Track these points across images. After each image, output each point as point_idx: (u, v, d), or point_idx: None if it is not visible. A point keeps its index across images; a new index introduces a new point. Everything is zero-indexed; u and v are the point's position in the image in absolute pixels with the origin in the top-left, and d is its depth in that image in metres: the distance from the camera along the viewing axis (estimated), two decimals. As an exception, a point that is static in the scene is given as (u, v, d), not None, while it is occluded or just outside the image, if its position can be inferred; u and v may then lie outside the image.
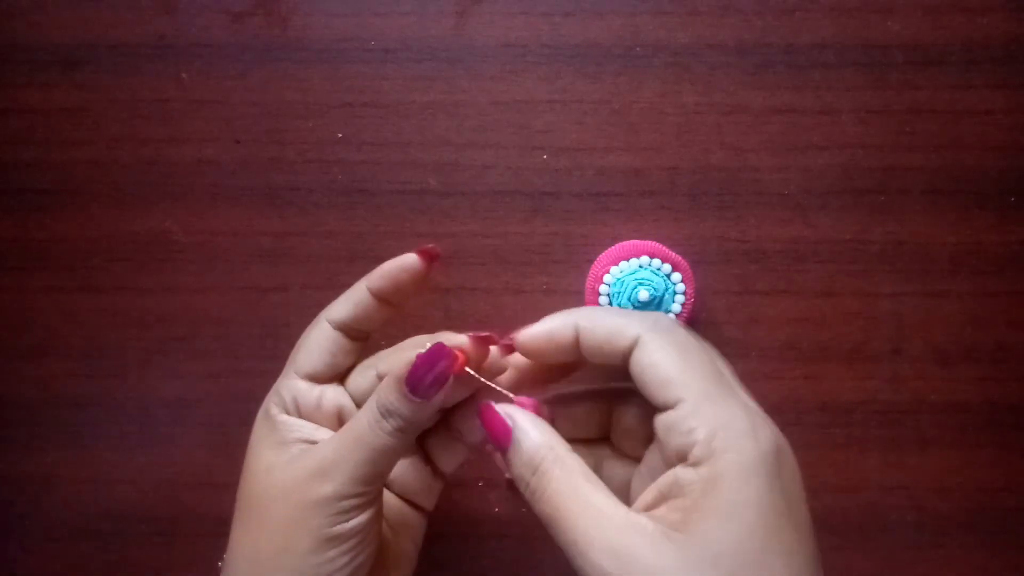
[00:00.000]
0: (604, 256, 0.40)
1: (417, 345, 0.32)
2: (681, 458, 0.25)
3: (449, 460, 0.35)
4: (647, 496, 0.26)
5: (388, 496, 0.34)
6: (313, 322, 0.34)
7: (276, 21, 0.43)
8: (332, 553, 0.29)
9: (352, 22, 0.42)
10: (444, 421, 0.34)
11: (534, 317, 0.30)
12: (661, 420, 0.26)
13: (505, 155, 0.42)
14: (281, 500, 0.31)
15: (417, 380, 0.29)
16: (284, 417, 0.32)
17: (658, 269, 0.40)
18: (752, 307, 0.42)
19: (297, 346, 0.34)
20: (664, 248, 0.40)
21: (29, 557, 0.43)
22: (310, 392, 0.33)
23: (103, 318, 0.43)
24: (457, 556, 0.42)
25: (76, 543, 0.43)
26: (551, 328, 0.30)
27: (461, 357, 0.29)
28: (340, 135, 0.42)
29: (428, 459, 0.35)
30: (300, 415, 0.32)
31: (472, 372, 0.30)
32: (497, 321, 0.42)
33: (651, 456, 0.30)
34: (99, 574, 0.43)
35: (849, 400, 0.42)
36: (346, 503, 0.29)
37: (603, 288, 0.40)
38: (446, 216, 0.42)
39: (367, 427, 0.30)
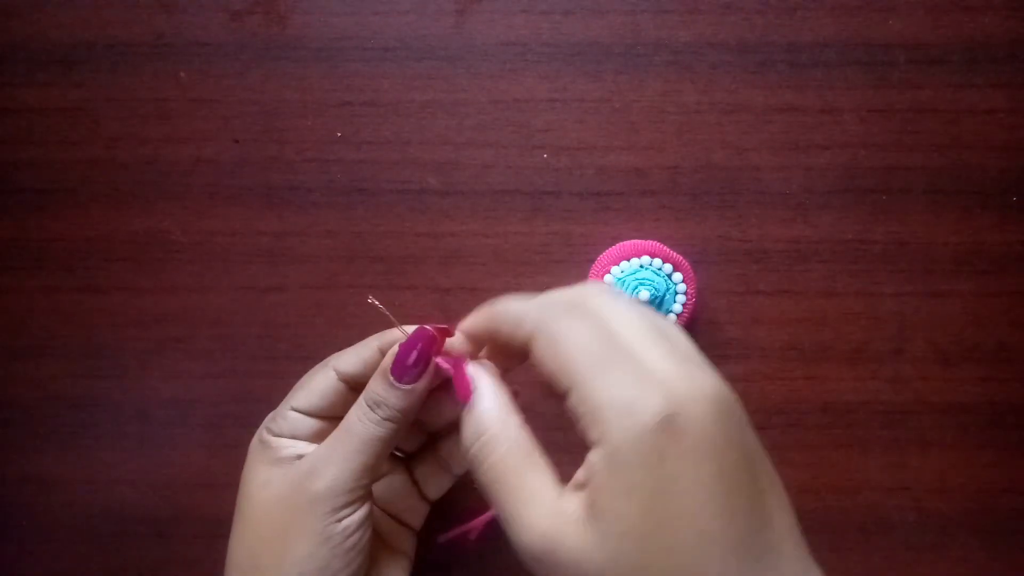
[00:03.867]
0: (605, 256, 0.40)
1: (381, 340, 0.33)
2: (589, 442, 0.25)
3: (435, 488, 0.36)
4: (578, 477, 0.25)
5: (377, 512, 0.35)
6: (320, 364, 0.34)
7: (275, 20, 0.42)
8: (329, 555, 0.30)
9: (351, 21, 0.42)
10: (432, 450, 0.36)
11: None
12: (567, 408, 0.26)
13: (505, 154, 0.42)
14: (278, 508, 0.31)
15: (401, 366, 0.30)
16: (276, 439, 0.33)
17: (659, 269, 0.39)
18: (753, 307, 0.42)
19: (299, 383, 0.34)
20: (665, 248, 0.40)
21: (27, 557, 0.43)
22: (303, 422, 0.33)
23: (101, 318, 0.43)
24: (456, 557, 0.42)
25: (74, 544, 0.43)
26: (481, 316, 0.30)
27: (440, 339, 0.31)
28: (339, 134, 0.42)
29: (415, 483, 0.36)
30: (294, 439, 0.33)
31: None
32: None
33: None
34: (97, 575, 0.43)
35: (850, 400, 0.42)
36: (339, 499, 0.30)
37: (604, 288, 0.40)
38: (446, 216, 0.42)
39: (355, 420, 0.31)
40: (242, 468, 0.42)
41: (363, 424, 0.31)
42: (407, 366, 0.30)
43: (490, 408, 0.28)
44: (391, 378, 0.30)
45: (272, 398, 0.42)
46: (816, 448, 0.41)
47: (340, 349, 0.42)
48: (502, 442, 0.27)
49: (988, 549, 0.41)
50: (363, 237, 0.42)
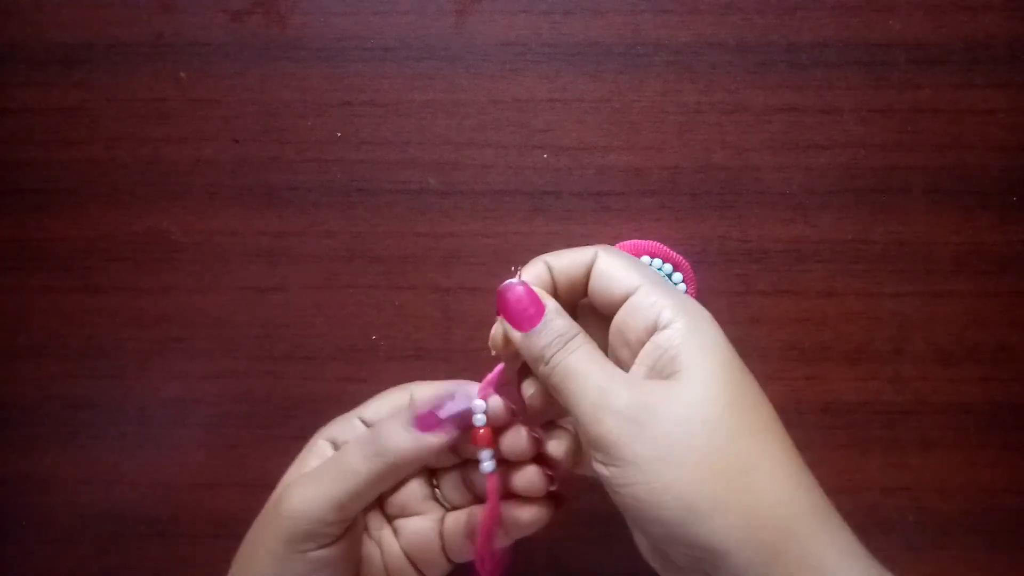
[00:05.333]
0: (605, 256, 0.40)
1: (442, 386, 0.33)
2: (650, 331, 0.29)
3: (459, 553, 0.35)
4: (638, 372, 0.29)
5: (396, 553, 0.34)
6: (401, 386, 0.34)
7: (275, 20, 0.42)
8: None
9: (351, 20, 0.42)
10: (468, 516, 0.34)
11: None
12: (626, 307, 0.30)
13: (505, 154, 0.42)
14: (261, 515, 0.31)
15: (430, 414, 0.30)
16: (321, 443, 0.33)
17: (659, 269, 0.39)
18: (753, 307, 0.42)
19: (376, 396, 0.34)
20: (665, 248, 0.40)
21: (27, 558, 0.43)
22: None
23: (101, 318, 0.43)
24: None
25: (74, 544, 0.43)
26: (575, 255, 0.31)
27: (482, 433, 0.30)
28: (339, 134, 0.42)
29: (442, 537, 0.35)
30: None
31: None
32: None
33: None
34: (97, 575, 0.43)
35: (851, 400, 0.41)
36: (303, 526, 0.29)
37: (604, 288, 0.40)
38: (446, 216, 0.42)
39: (349, 447, 0.30)
40: (242, 468, 0.42)
41: (353, 452, 0.30)
42: (434, 416, 0.30)
43: (568, 320, 0.30)
44: (412, 418, 0.30)
45: (272, 398, 0.42)
46: (816, 448, 0.41)
47: (338, 349, 0.42)
48: (582, 340, 0.29)
49: (988, 549, 0.41)
50: (363, 237, 0.42)
